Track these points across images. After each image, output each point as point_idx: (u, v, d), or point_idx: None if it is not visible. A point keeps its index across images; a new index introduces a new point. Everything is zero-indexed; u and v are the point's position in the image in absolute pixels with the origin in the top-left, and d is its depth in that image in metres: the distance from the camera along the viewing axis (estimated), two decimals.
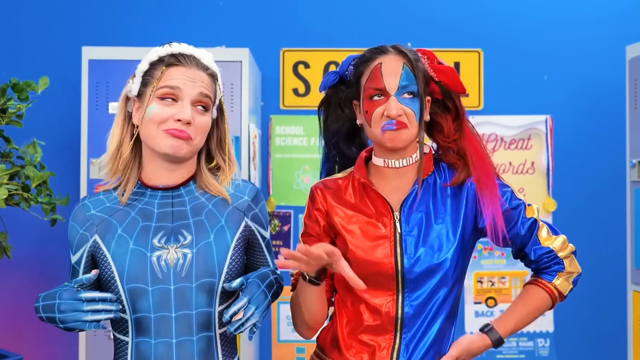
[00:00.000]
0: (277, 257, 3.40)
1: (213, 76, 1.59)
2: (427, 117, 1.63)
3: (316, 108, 1.79)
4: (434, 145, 1.72)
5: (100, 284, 1.57)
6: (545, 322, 3.39)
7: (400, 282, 1.58)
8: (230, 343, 1.59)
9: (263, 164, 3.38)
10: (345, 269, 1.47)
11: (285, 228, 3.41)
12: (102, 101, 2.89)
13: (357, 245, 1.60)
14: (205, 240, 1.54)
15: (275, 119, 3.42)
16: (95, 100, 2.88)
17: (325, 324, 1.71)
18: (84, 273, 1.57)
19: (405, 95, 1.57)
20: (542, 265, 1.65)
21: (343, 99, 1.72)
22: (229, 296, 1.56)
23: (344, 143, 1.74)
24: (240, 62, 2.88)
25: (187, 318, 1.51)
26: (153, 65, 1.56)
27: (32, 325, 3.08)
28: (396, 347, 1.58)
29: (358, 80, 1.63)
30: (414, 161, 1.64)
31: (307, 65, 3.41)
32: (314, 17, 3.43)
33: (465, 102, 3.33)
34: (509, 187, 1.65)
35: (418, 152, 1.64)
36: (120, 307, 1.50)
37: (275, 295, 1.59)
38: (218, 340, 1.55)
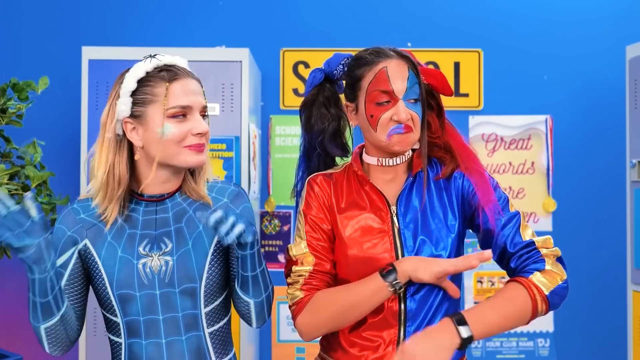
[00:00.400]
0: (277, 257, 3.41)
1: (199, 81, 1.60)
2: None
3: None
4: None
5: (90, 281, 1.61)
6: (545, 322, 3.39)
7: None
8: (222, 341, 1.62)
9: (263, 164, 3.38)
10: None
11: (285, 228, 3.41)
12: (102, 101, 2.88)
13: (358, 241, 1.61)
14: (184, 247, 1.57)
15: (275, 119, 3.42)
16: (95, 100, 2.88)
17: None
18: (70, 275, 1.57)
19: (411, 99, 1.58)
20: (521, 263, 1.55)
21: (328, 97, 1.73)
22: (213, 298, 1.60)
23: (329, 142, 1.73)
24: (240, 62, 2.88)
25: (174, 320, 1.56)
26: (147, 83, 1.53)
27: None
28: (401, 340, 1.58)
29: (356, 83, 1.63)
30: (406, 159, 1.66)
31: (307, 65, 3.41)
32: (314, 17, 3.44)
33: (465, 102, 3.36)
34: (495, 179, 1.67)
35: (410, 150, 1.66)
36: (31, 194, 1.42)
37: (260, 254, 1.57)
38: (208, 339, 1.59)
